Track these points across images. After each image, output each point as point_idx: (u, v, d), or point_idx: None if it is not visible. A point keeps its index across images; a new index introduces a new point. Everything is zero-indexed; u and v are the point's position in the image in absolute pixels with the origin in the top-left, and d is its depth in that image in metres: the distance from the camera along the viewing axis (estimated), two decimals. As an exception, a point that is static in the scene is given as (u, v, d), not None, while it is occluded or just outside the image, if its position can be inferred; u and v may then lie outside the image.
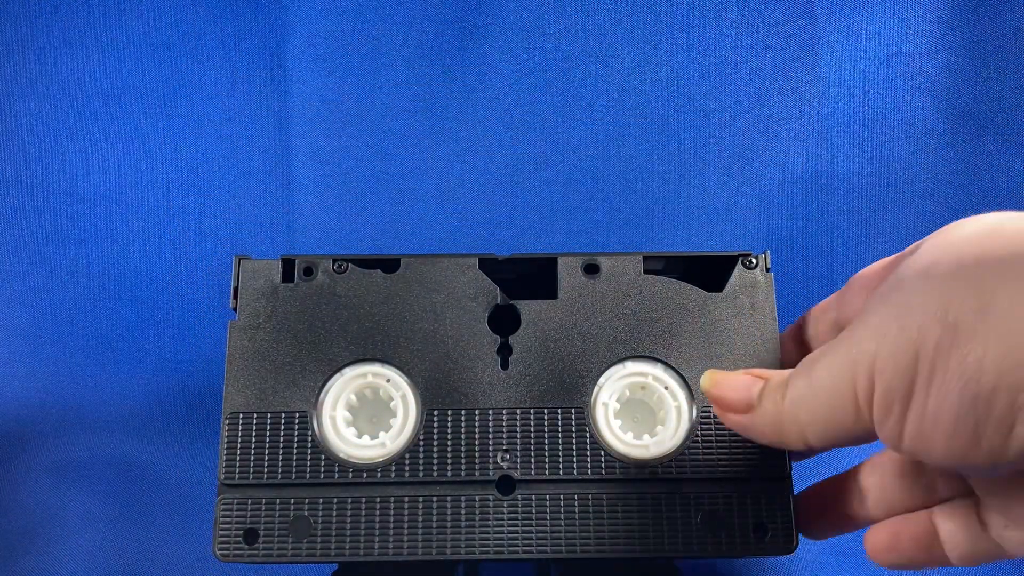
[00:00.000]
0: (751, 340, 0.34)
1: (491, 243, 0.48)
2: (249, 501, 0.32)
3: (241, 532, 0.32)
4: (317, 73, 0.49)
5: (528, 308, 0.34)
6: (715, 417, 0.32)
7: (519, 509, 0.32)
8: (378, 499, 0.32)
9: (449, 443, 0.33)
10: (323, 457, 0.33)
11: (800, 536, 0.32)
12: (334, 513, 0.32)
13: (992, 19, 0.49)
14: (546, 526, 0.32)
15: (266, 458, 0.32)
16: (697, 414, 0.33)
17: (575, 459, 0.32)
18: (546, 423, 0.33)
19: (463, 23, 0.50)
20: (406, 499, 0.32)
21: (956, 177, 0.48)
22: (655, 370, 0.34)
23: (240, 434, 0.33)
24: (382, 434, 0.33)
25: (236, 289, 0.34)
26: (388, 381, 0.33)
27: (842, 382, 0.25)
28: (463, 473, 0.32)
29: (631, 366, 0.34)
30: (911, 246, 0.28)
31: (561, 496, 0.32)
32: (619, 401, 0.34)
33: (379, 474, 0.32)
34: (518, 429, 0.33)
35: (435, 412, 0.33)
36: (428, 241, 0.48)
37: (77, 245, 0.47)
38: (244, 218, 0.48)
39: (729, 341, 0.34)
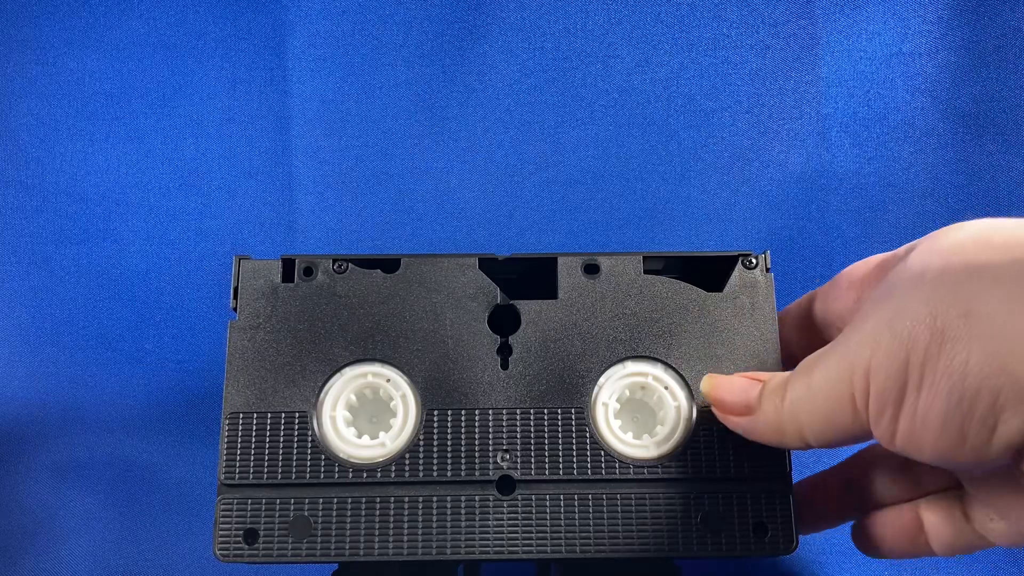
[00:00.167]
0: (751, 340, 0.34)
1: (491, 243, 0.48)
2: (249, 501, 0.32)
3: (241, 532, 0.32)
4: (317, 73, 0.49)
5: (528, 308, 0.34)
6: (715, 417, 0.32)
7: (519, 509, 0.32)
8: (378, 499, 0.32)
9: (449, 443, 0.33)
10: (323, 457, 0.32)
11: (800, 536, 0.32)
12: (334, 513, 0.32)
13: (992, 19, 0.49)
14: (546, 526, 0.32)
15: (266, 458, 0.32)
16: (697, 414, 0.33)
17: (575, 459, 0.32)
18: (546, 423, 0.33)
19: (463, 23, 0.50)
20: (406, 499, 0.32)
21: (956, 177, 0.48)
22: (655, 370, 0.34)
23: (240, 434, 0.33)
24: (382, 434, 0.33)
25: (236, 289, 0.34)
26: (388, 381, 0.33)
27: (840, 385, 0.27)
28: (463, 473, 0.32)
29: (631, 366, 0.34)
30: (903, 247, 0.29)
31: (561, 496, 0.32)
32: (619, 401, 0.34)
33: (379, 474, 0.32)
34: (518, 429, 0.33)
35: (435, 412, 0.33)
36: (428, 241, 0.48)
37: (77, 245, 0.47)
38: (244, 218, 0.48)
39: (729, 341, 0.34)
